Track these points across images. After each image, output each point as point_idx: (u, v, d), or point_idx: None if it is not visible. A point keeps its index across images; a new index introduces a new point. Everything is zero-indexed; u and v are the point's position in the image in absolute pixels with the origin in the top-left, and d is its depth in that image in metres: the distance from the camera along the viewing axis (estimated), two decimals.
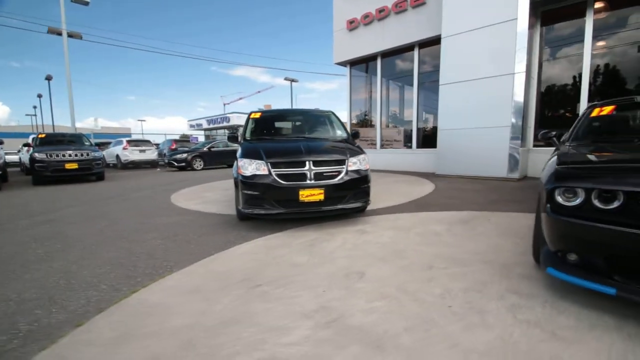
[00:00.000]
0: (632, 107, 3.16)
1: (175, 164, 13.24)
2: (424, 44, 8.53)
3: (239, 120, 37.42)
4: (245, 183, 3.56)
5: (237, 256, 2.85)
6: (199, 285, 2.27)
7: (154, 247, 3.15)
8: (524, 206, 4.30)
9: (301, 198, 3.46)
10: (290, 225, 3.73)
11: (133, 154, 15.31)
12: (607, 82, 6.27)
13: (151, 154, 15.89)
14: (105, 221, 4.28)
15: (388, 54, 9.45)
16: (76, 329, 1.76)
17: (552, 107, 7.04)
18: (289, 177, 3.50)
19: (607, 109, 2.96)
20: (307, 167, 3.52)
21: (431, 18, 7.93)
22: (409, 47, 8.86)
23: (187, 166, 13.16)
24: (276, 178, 3.48)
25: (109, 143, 17.69)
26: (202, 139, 36.14)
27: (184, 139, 22.38)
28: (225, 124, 39.40)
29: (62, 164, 8.51)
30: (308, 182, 3.49)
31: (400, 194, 5.62)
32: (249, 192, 3.53)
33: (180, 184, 8.28)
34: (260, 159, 3.59)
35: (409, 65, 9.07)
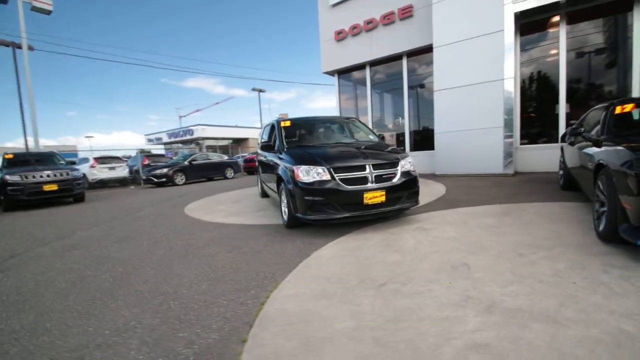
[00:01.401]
0: None
1: (155, 179, 12.50)
2: (412, 53, 9.09)
3: (204, 132, 36.27)
4: (305, 189, 3.56)
5: (327, 261, 2.86)
6: (323, 291, 2.27)
7: (231, 260, 3.04)
8: (543, 196, 4.76)
9: (365, 201, 3.55)
10: (342, 230, 3.77)
11: (102, 172, 14.17)
12: (581, 84, 7.18)
13: (122, 171, 14.82)
14: (143, 241, 3.99)
15: (377, 63, 9.90)
16: (246, 344, 1.70)
17: (534, 108, 7.86)
18: (352, 181, 3.58)
19: (628, 107, 3.44)
20: (367, 171, 3.63)
21: (420, 29, 8.49)
22: (397, 57, 9.36)
23: (167, 182, 12.48)
24: (340, 182, 3.53)
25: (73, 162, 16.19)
26: (161, 151, 34.36)
27: (158, 154, 21.07)
28: (188, 136, 37.90)
29: (40, 185, 7.67)
30: (370, 185, 3.60)
31: (421, 193, 5.89)
32: (312, 198, 3.54)
33: (178, 199, 7.87)
34: (319, 164, 3.63)
35: (398, 73, 9.57)
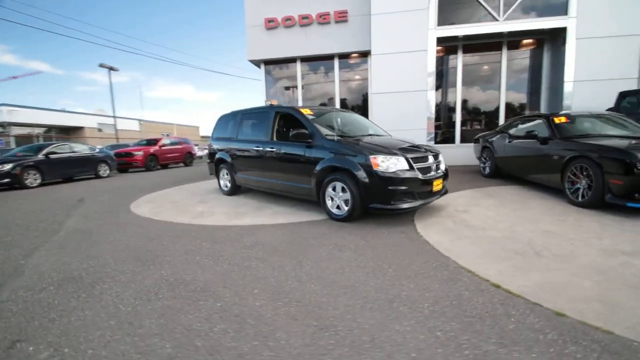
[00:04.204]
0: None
1: None
2: (344, 56, 9.74)
3: (12, 116, 26.03)
4: (388, 179, 3.55)
5: (441, 236, 3.03)
6: (483, 253, 2.49)
7: (357, 264, 2.74)
8: (484, 183, 6.29)
9: (434, 189, 3.86)
10: (386, 218, 3.98)
11: None
12: (470, 99, 9.64)
13: None
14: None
15: (308, 59, 10.02)
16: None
17: (441, 115, 9.96)
18: (424, 170, 3.80)
19: (563, 118, 5.12)
20: (430, 160, 3.95)
21: (354, 35, 9.22)
22: (329, 57, 9.80)
23: (11, 183, 8.59)
24: (417, 172, 3.69)
25: None
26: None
27: None
28: None
29: None
30: (434, 173, 3.92)
31: None
32: (395, 187, 3.56)
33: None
34: (395, 154, 3.67)
35: (329, 72, 10.03)
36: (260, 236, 3.49)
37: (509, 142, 6.09)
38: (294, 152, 4.47)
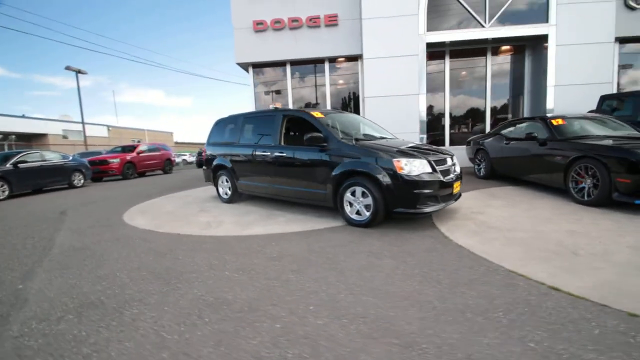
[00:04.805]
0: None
1: None
2: (334, 59, 9.70)
3: None
4: (412, 182, 3.49)
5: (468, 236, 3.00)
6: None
7: (409, 274, 2.64)
8: (481, 185, 6.43)
9: (454, 191, 3.84)
10: (406, 223, 3.94)
11: None
12: (457, 103, 9.90)
13: None
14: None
15: (298, 63, 9.88)
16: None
17: (432, 118, 10.14)
18: (445, 173, 3.78)
19: (560, 120, 5.32)
20: (449, 163, 3.93)
21: (345, 38, 9.21)
22: (320, 60, 9.73)
23: None
24: (439, 175, 3.66)
25: None
26: None
27: None
28: None
29: None
30: (452, 176, 3.91)
31: None
32: (420, 191, 3.50)
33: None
34: (417, 157, 3.62)
35: (320, 76, 9.94)
36: (283, 246, 3.30)
37: (507, 144, 6.26)
38: (307, 157, 4.32)
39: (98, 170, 12.49)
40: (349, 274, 2.51)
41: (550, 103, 8.42)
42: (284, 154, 4.59)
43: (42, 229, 4.62)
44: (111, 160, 12.83)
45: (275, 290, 2.30)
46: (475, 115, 9.89)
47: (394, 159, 3.55)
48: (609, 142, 4.39)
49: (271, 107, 5.40)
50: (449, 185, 3.76)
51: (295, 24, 9.33)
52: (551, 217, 3.84)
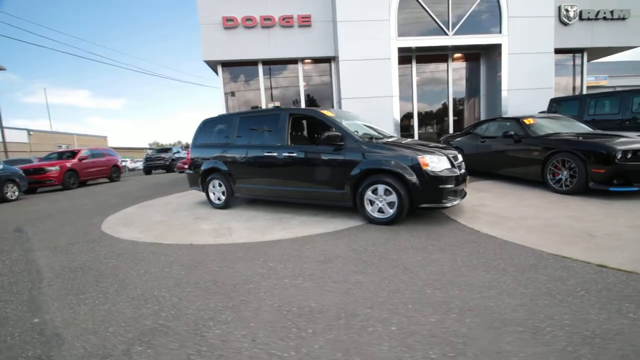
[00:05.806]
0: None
1: None
2: (308, 60, 9.65)
3: None
4: (438, 178, 3.64)
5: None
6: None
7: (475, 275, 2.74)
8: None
9: (465, 187, 4.08)
10: (422, 218, 4.13)
11: None
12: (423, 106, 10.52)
13: None
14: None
15: (271, 62, 9.62)
16: None
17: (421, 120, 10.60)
18: (459, 168, 3.98)
19: (531, 120, 5.97)
20: (460, 159, 4.16)
21: (319, 39, 9.22)
22: (293, 61, 9.60)
23: None
24: (457, 170, 3.86)
25: None
26: None
27: None
28: None
29: None
30: (464, 171, 4.15)
31: None
32: (444, 186, 3.66)
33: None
34: (438, 154, 3.77)
35: (293, 76, 9.80)
36: (322, 248, 3.18)
37: (482, 142, 6.84)
38: (322, 157, 4.23)
39: (33, 180, 10.73)
40: (416, 271, 2.52)
41: (504, 105, 9.40)
42: (294, 154, 4.44)
43: (4, 251, 3.83)
44: (49, 168, 11.12)
45: (355, 293, 2.21)
46: (439, 116, 10.64)
47: (419, 156, 3.66)
48: (580, 137, 5.05)
49: (271, 105, 5.21)
50: (464, 180, 3.99)
51: (267, 22, 9.09)
52: (544, 206, 4.28)
